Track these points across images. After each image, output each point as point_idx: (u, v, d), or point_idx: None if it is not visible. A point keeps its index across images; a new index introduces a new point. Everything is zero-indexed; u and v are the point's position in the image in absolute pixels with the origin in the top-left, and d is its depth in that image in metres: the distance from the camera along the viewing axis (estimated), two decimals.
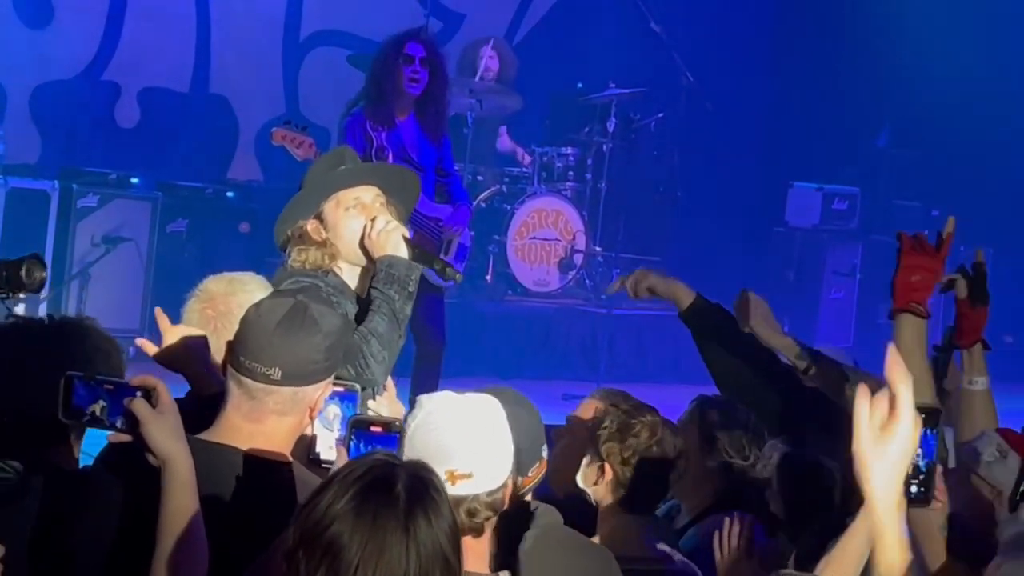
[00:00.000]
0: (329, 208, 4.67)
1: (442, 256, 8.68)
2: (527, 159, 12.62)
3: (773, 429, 4.64)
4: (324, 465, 3.10)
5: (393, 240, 4.61)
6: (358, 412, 3.25)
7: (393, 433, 2.96)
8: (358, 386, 3.29)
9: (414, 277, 4.62)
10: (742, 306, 4.69)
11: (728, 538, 4.18)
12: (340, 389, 3.25)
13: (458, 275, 4.88)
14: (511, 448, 3.26)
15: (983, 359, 4.48)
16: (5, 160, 10.97)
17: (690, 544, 4.55)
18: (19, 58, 11.96)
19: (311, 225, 4.67)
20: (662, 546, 4.16)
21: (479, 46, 12.53)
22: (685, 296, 4.82)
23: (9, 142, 11.20)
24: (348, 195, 4.68)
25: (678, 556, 4.18)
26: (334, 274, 4.67)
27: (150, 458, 3.02)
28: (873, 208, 13.55)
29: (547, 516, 3.55)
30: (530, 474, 3.58)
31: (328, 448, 3.15)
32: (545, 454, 3.65)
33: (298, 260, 4.65)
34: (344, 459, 2.93)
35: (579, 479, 4.14)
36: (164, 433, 3.01)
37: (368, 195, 4.71)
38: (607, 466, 4.09)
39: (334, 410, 3.22)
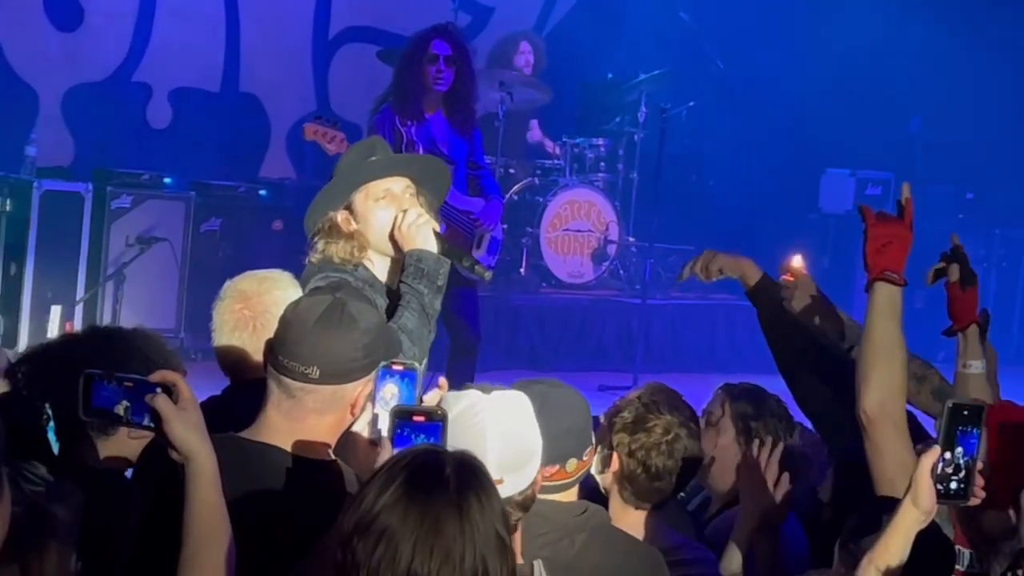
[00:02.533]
0: (359, 199, 4.65)
1: (475, 251, 8.69)
2: (557, 151, 12.62)
3: (827, 413, 4.60)
4: None
5: (423, 233, 4.59)
6: (415, 391, 3.22)
7: (436, 421, 2.94)
8: (416, 364, 3.27)
9: (443, 271, 4.59)
10: (791, 284, 4.69)
11: (752, 464, 4.19)
12: (399, 368, 3.22)
13: (487, 273, 4.87)
14: (539, 445, 3.26)
15: (978, 342, 4.47)
16: (38, 163, 11.02)
17: (713, 533, 4.54)
18: (50, 61, 12.02)
19: (341, 216, 4.64)
20: (676, 535, 4.14)
21: (516, 40, 12.52)
22: (753, 274, 4.79)
23: (42, 145, 11.24)
24: (378, 186, 4.66)
25: (695, 544, 4.15)
26: (364, 268, 4.64)
27: (173, 455, 3.01)
28: None
29: (596, 517, 3.56)
30: (570, 467, 3.57)
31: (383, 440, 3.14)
32: (589, 455, 3.62)
33: (326, 252, 4.62)
34: (388, 451, 2.92)
35: (591, 466, 4.12)
36: (187, 429, 3.00)
37: (398, 186, 4.68)
38: (615, 456, 4.07)
39: (392, 389, 3.19)
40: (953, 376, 4.51)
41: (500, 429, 3.18)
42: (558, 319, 12.02)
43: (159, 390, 2.99)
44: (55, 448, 3.76)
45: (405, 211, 4.61)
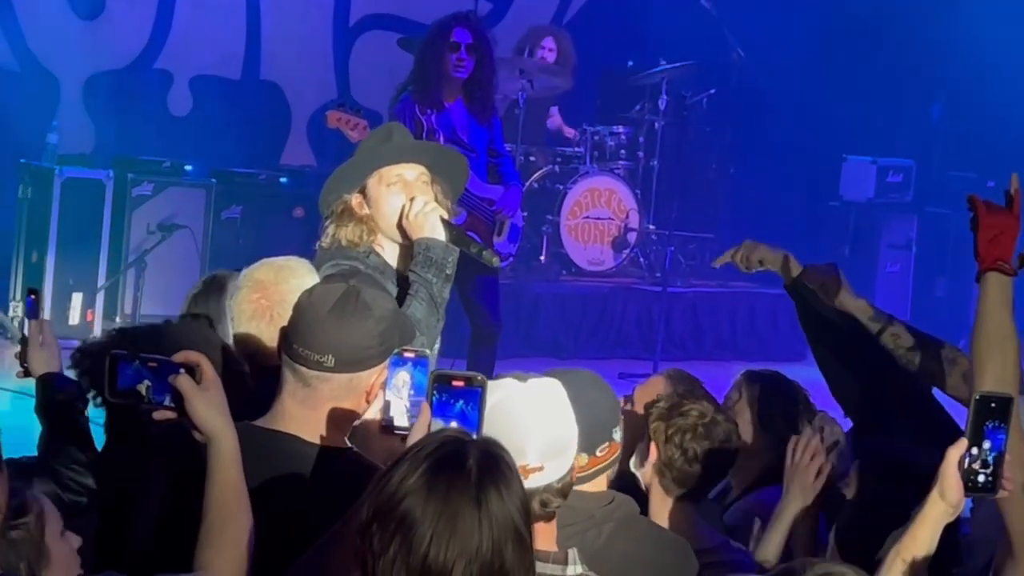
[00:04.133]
0: (372, 183, 4.63)
1: (495, 238, 8.68)
2: (576, 136, 12.61)
3: (864, 407, 4.59)
4: (398, 431, 3.08)
5: (430, 222, 4.57)
6: (427, 378, 3.21)
7: (475, 387, 2.93)
8: (428, 351, 3.26)
9: (452, 260, 4.58)
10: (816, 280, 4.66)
11: (802, 449, 4.17)
12: (411, 355, 3.21)
13: (495, 259, 4.82)
14: (576, 432, 3.25)
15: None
16: (60, 150, 11.04)
17: (732, 519, 4.52)
18: (72, 49, 12.04)
19: (355, 199, 4.62)
20: (716, 535, 4.12)
21: (541, 35, 12.49)
22: (794, 267, 4.77)
23: (64, 133, 11.27)
24: (391, 171, 4.65)
25: (735, 546, 4.14)
26: (375, 254, 4.63)
27: (196, 435, 3.01)
28: (928, 180, 13.45)
29: (625, 507, 3.55)
30: (598, 454, 3.56)
31: (400, 415, 3.12)
32: (618, 436, 3.61)
33: (336, 236, 4.61)
34: (427, 416, 2.91)
35: (631, 462, 4.10)
36: (209, 409, 3.01)
37: (412, 173, 4.66)
38: (652, 446, 4.05)
39: (403, 376, 3.19)
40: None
41: (539, 416, 3.17)
42: (578, 307, 12.00)
43: (182, 370, 3.00)
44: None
45: (413, 199, 4.59)
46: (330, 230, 4.63)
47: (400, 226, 4.61)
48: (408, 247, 4.65)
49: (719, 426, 4.10)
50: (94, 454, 3.83)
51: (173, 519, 3.19)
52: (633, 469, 4.10)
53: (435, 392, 2.93)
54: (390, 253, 4.64)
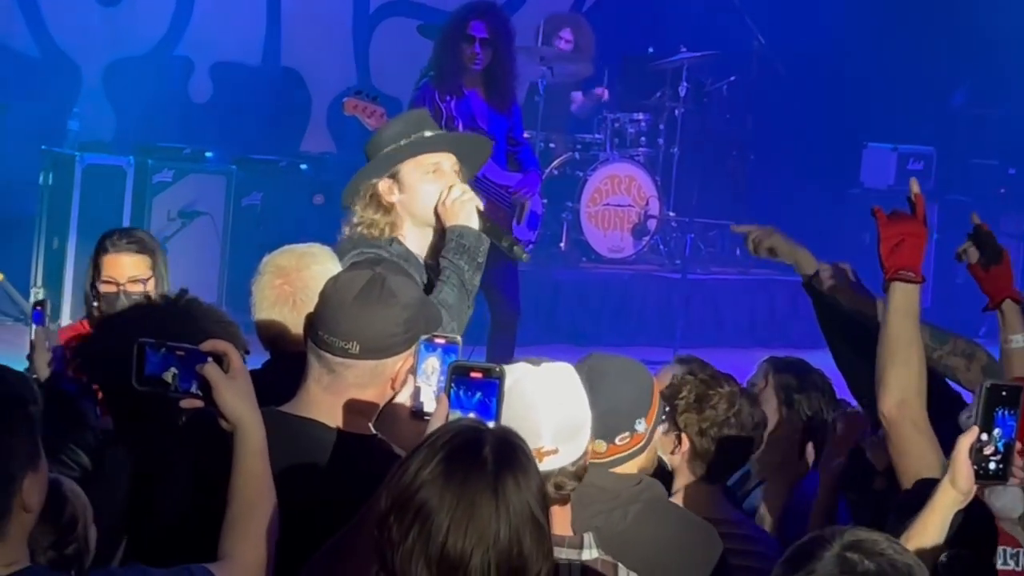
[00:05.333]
0: (407, 168, 4.65)
1: (515, 223, 8.71)
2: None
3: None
4: (427, 417, 3.11)
5: (467, 210, 4.60)
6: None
7: (493, 378, 2.94)
8: (459, 338, 3.28)
9: (483, 248, 4.61)
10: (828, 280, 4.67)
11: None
12: (441, 341, 3.23)
13: (525, 254, 4.86)
14: (589, 415, 3.27)
15: (1017, 316, 4.44)
16: (81, 137, 11.08)
17: (750, 505, 4.54)
18: (93, 36, 12.07)
19: (384, 184, 4.64)
20: (741, 515, 4.16)
21: (559, 25, 12.50)
22: (809, 264, 4.76)
23: (85, 119, 11.31)
24: (428, 158, 4.68)
25: (751, 522, 4.17)
26: (398, 242, 4.65)
27: (222, 423, 3.03)
28: (949, 168, 13.42)
29: (652, 489, 3.57)
30: (618, 442, 3.58)
31: (430, 400, 3.14)
32: (641, 428, 3.62)
33: (359, 224, 4.63)
34: (445, 407, 2.93)
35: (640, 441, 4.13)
36: (236, 397, 3.03)
37: (447, 163, 4.70)
38: (684, 437, 4.07)
39: (433, 363, 3.20)
40: (999, 352, 4.50)
41: (553, 400, 3.20)
42: (598, 294, 12.02)
43: (210, 359, 3.02)
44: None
45: (451, 187, 4.62)
46: (355, 218, 4.64)
47: (435, 212, 4.63)
48: (432, 237, 4.67)
49: (745, 411, 4.14)
50: (94, 437, 3.85)
51: (198, 507, 3.20)
52: (661, 454, 4.13)
53: (453, 384, 2.95)
54: (412, 242, 4.66)
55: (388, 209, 4.63)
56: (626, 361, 3.70)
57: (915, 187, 3.98)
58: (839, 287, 4.60)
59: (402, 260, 4.57)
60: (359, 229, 4.64)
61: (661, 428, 4.06)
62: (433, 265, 4.65)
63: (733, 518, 4.04)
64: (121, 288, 5.23)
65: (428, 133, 4.69)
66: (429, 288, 4.53)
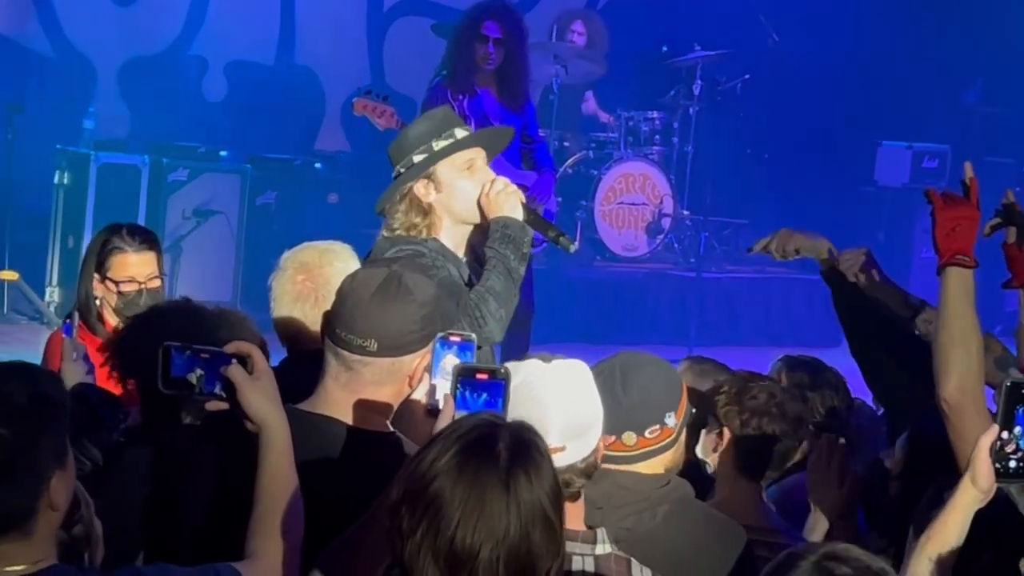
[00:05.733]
0: (442, 167, 4.67)
1: None
2: (611, 121, 12.62)
3: (897, 389, 4.60)
4: None
5: (511, 202, 4.62)
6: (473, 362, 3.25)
7: (499, 380, 2.96)
8: (474, 335, 3.29)
9: (528, 239, 4.63)
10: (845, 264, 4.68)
11: (823, 458, 4.18)
12: (456, 339, 3.24)
13: (572, 245, 4.88)
14: (600, 412, 3.28)
15: None
16: (96, 136, 11.11)
17: (772, 497, 4.54)
18: (108, 35, 12.10)
19: (420, 185, 4.66)
20: (780, 520, 4.15)
21: (571, 20, 12.52)
22: (830, 253, 4.79)
23: (100, 118, 11.35)
24: (462, 156, 4.70)
25: (796, 533, 4.15)
26: (435, 239, 4.67)
27: (247, 424, 3.06)
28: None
29: (681, 489, 3.58)
30: (647, 435, 3.58)
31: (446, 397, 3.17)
32: (672, 422, 3.62)
33: (399, 225, 4.65)
34: (451, 408, 2.94)
35: (698, 450, 4.13)
36: (260, 398, 3.05)
37: (480, 159, 4.73)
38: (725, 430, 4.08)
39: (452, 360, 3.22)
40: (1015, 346, 4.49)
41: (561, 397, 3.21)
42: (612, 292, 12.03)
43: (234, 360, 3.04)
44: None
45: (493, 180, 4.65)
46: (393, 222, 4.65)
47: (478, 206, 4.65)
48: (471, 232, 4.70)
49: (789, 405, 4.15)
50: (111, 438, 3.88)
51: (223, 506, 3.23)
52: (700, 455, 4.14)
53: (459, 385, 2.96)
54: (449, 239, 4.68)
55: (426, 211, 4.65)
56: (656, 357, 3.71)
57: (969, 171, 3.97)
58: (860, 272, 4.62)
59: (440, 255, 4.59)
60: (398, 232, 4.64)
61: (704, 430, 4.08)
62: (471, 261, 4.68)
63: (775, 523, 4.04)
64: (143, 286, 5.26)
65: (460, 132, 4.72)
66: (470, 284, 4.57)
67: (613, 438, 3.52)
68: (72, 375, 4.48)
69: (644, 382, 3.57)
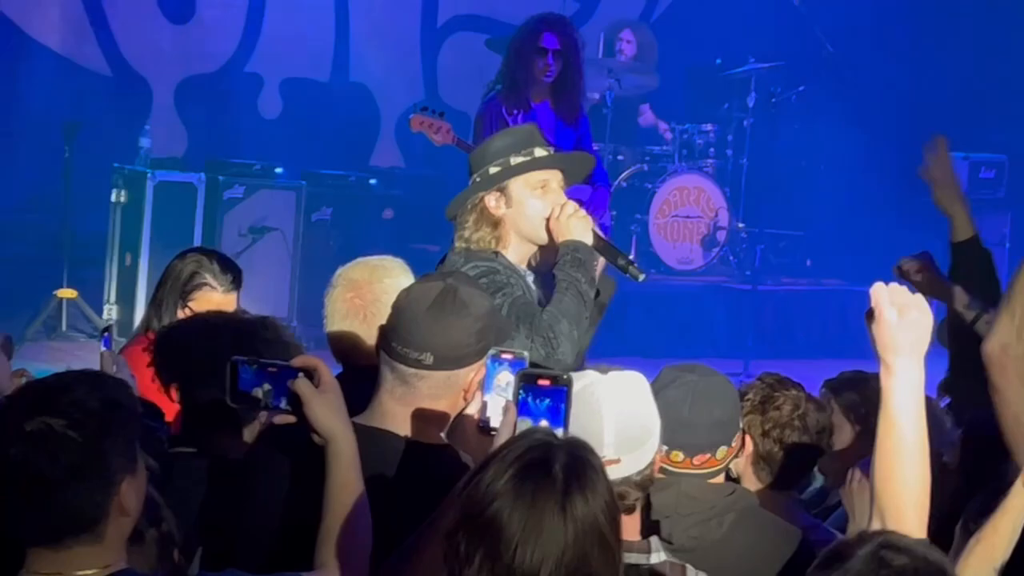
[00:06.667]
0: (516, 184, 4.72)
1: None
2: (668, 135, 12.62)
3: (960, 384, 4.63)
4: (493, 432, 3.14)
5: (581, 227, 4.67)
6: None
7: (561, 386, 2.97)
8: (526, 353, 3.31)
9: (597, 265, 4.70)
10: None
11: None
12: (508, 356, 3.27)
13: (642, 274, 4.90)
14: (657, 425, 3.30)
15: None
16: (152, 154, 11.18)
17: (838, 522, 4.53)
18: (163, 54, 12.21)
19: (492, 197, 4.71)
20: (808, 517, 4.16)
21: (619, 29, 12.55)
22: (964, 228, 4.90)
23: (156, 137, 11.41)
24: (537, 176, 4.75)
25: (825, 527, 4.18)
26: (503, 255, 4.72)
27: (315, 437, 3.08)
28: (1022, 176, 13.32)
29: (746, 498, 3.61)
30: (718, 456, 3.64)
31: (497, 415, 3.18)
32: (721, 455, 3.66)
33: (470, 238, 4.68)
34: (513, 415, 2.96)
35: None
36: (327, 411, 3.08)
37: (555, 181, 4.78)
38: (748, 439, 4.09)
39: (506, 377, 3.24)
40: None
41: (617, 409, 3.23)
42: (667, 306, 12.00)
43: (301, 374, 3.07)
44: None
45: (564, 204, 4.69)
46: (465, 233, 4.70)
47: (547, 229, 4.69)
48: (539, 254, 4.75)
49: (811, 415, 4.14)
50: (161, 447, 3.91)
51: (293, 518, 3.26)
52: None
53: (521, 391, 2.97)
54: (514, 256, 4.73)
55: (496, 224, 4.70)
56: (730, 388, 3.76)
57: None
58: (924, 276, 4.66)
59: (513, 273, 4.64)
60: (467, 244, 4.69)
61: None
62: (537, 280, 4.72)
63: (804, 523, 4.04)
64: None
65: (539, 152, 4.75)
66: (540, 303, 4.59)
67: (707, 455, 3.60)
68: None
69: (711, 411, 3.62)
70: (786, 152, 13.10)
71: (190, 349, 3.84)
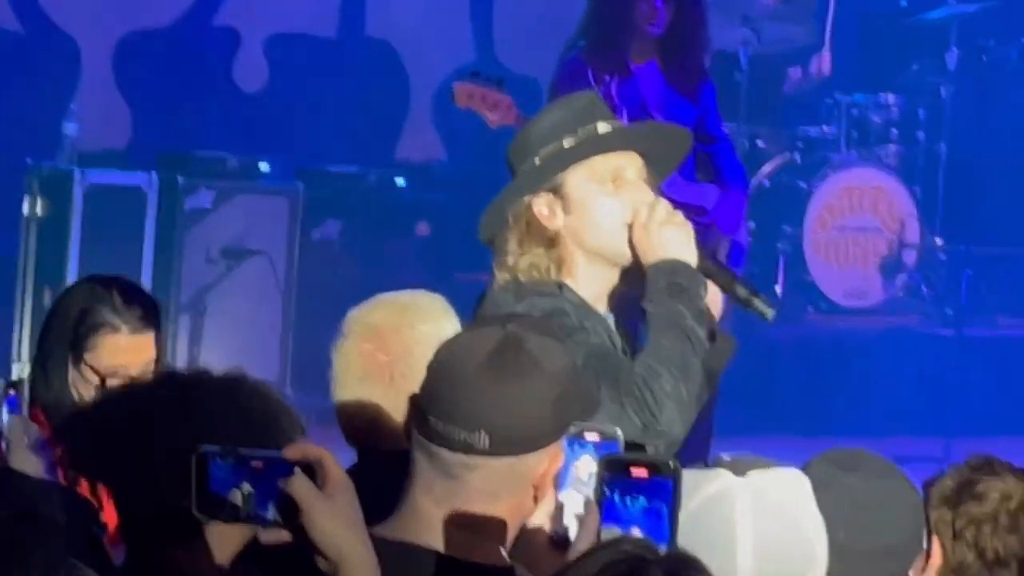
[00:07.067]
0: (575, 179, 4.68)
1: None
2: (835, 110, 12.62)
3: None
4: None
5: (680, 238, 4.63)
6: None
7: (665, 476, 2.96)
8: (619, 431, 3.30)
9: (704, 293, 4.65)
10: None
11: None
12: (595, 438, 3.26)
13: (770, 309, 4.88)
14: (823, 549, 3.33)
15: None
16: (81, 145, 11.23)
17: None
18: (97, 5, 12.27)
19: (542, 200, 4.67)
20: None
21: None
22: None
23: (86, 120, 11.46)
24: (605, 163, 4.71)
25: None
26: (568, 288, 4.67)
27: (319, 561, 3.07)
28: None
29: None
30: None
31: (576, 521, 3.18)
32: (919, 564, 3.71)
33: (517, 265, 4.64)
34: (595, 521, 2.96)
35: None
36: (335, 523, 3.06)
37: (632, 169, 4.73)
38: (935, 543, 4.07)
39: (589, 464, 3.23)
40: None
41: (760, 527, 3.25)
42: (831, 358, 12.00)
43: (297, 470, 3.05)
44: None
45: (653, 203, 4.64)
46: (509, 259, 4.65)
47: (628, 239, 4.65)
48: (613, 277, 4.71)
49: None
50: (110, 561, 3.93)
51: None
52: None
53: (606, 485, 2.97)
54: (585, 285, 4.67)
55: (551, 241, 4.65)
56: (905, 483, 3.77)
57: None
58: None
59: (583, 314, 4.58)
60: (516, 271, 4.65)
61: None
62: (620, 320, 4.67)
63: None
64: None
65: (603, 126, 4.71)
66: (626, 353, 4.58)
67: None
68: (26, 469, 4.42)
69: (879, 534, 3.61)
70: (1004, 135, 13.06)
71: (111, 447, 3.75)
